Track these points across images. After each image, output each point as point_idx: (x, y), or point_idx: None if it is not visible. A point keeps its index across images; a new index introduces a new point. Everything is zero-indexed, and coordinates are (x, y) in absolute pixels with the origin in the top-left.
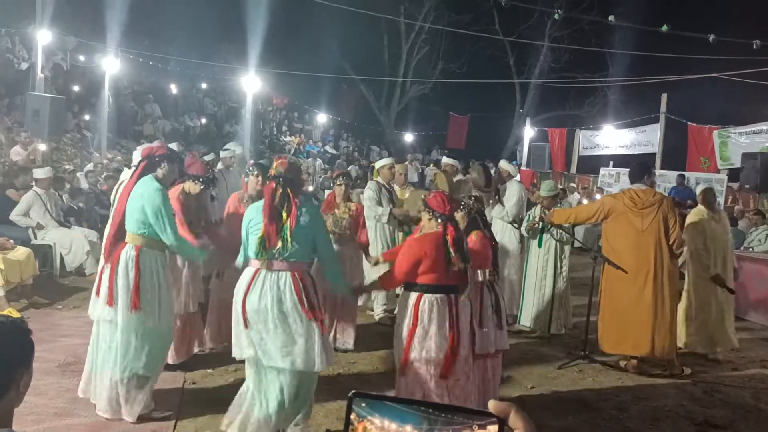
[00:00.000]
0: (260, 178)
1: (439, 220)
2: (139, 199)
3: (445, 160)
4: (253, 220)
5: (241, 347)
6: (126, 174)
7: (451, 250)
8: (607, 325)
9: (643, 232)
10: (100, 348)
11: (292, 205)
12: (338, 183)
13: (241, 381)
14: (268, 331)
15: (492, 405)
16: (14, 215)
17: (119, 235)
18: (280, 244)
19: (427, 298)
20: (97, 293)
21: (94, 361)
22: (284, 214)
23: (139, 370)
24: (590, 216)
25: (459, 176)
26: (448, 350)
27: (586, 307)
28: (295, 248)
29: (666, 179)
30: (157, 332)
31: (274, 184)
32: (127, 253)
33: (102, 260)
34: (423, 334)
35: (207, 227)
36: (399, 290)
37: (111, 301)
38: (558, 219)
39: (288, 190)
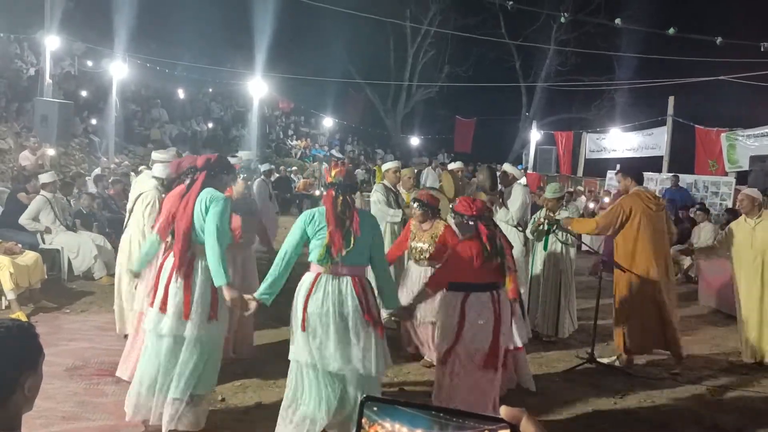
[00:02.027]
0: (247, 181)
1: (470, 222)
2: (205, 208)
3: (452, 165)
4: (313, 226)
5: (298, 350)
6: (141, 180)
7: (487, 246)
8: (632, 328)
9: (660, 233)
10: (162, 366)
11: (354, 211)
12: None
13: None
14: (327, 335)
15: (504, 411)
16: (24, 219)
17: (189, 247)
18: (344, 250)
19: (473, 295)
20: (162, 308)
21: (151, 379)
22: (347, 221)
23: (208, 388)
24: (612, 222)
25: (483, 177)
26: (492, 343)
27: (593, 311)
28: (357, 254)
29: (681, 181)
30: (221, 343)
31: (333, 192)
32: (202, 263)
33: (164, 273)
34: (470, 329)
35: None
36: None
37: (188, 313)
38: (580, 229)
39: (347, 197)
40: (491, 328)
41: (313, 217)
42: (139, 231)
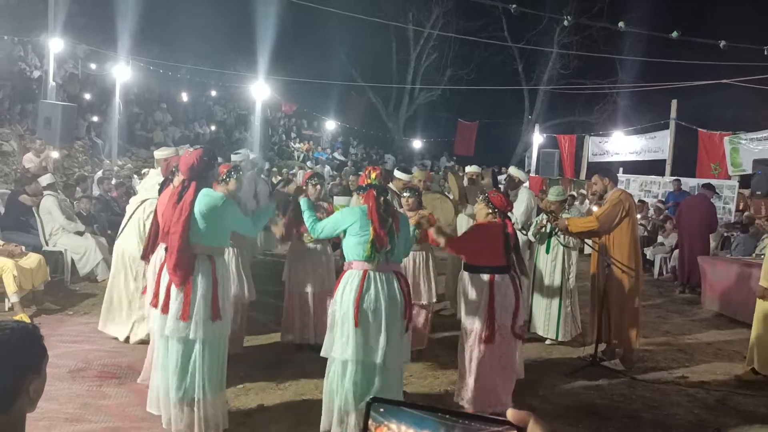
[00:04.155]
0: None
1: (499, 216)
2: (206, 213)
3: (469, 168)
4: (356, 225)
5: (343, 347)
6: (148, 183)
7: (510, 240)
8: (626, 321)
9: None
10: (171, 367)
11: (394, 210)
12: (313, 183)
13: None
14: (379, 330)
15: (510, 413)
16: (64, 223)
17: (189, 249)
18: (389, 247)
19: (497, 277)
20: (164, 310)
21: (164, 382)
22: (389, 220)
23: (219, 388)
24: (614, 218)
25: (488, 180)
26: (515, 315)
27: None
28: (399, 252)
29: (684, 185)
30: (225, 342)
31: (374, 192)
32: (203, 263)
33: (165, 276)
34: (499, 307)
35: None
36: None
37: (186, 314)
38: (578, 227)
39: (386, 196)
40: (514, 304)
41: (357, 213)
42: (137, 237)
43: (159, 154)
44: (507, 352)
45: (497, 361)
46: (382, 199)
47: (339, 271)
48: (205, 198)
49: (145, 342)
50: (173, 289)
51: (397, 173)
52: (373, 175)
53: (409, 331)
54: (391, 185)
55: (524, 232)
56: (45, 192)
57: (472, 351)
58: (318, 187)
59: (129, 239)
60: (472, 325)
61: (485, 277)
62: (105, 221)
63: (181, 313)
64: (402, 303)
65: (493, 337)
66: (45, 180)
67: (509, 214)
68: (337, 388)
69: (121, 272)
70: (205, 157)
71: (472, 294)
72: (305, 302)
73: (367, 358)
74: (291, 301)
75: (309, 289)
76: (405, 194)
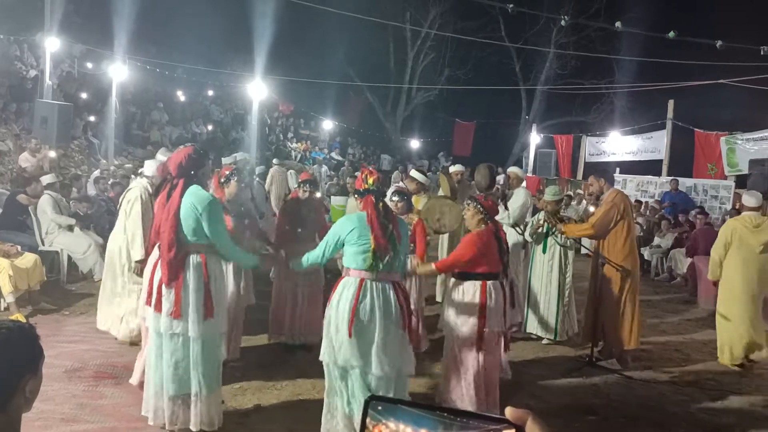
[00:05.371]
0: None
1: (489, 222)
2: (193, 210)
3: (452, 168)
4: (354, 233)
5: (340, 356)
6: (137, 182)
7: (503, 245)
8: (627, 323)
9: (635, 231)
10: (165, 364)
11: (394, 217)
12: (304, 189)
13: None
14: (372, 339)
15: (509, 412)
16: (53, 217)
17: (178, 246)
18: (392, 254)
19: (489, 284)
20: (157, 307)
21: (158, 379)
22: (389, 226)
23: (213, 386)
24: (609, 222)
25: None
26: (504, 324)
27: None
28: (400, 258)
29: (681, 185)
30: (220, 341)
31: (373, 198)
32: (194, 261)
33: (158, 274)
34: (490, 314)
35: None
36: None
37: (179, 312)
38: (574, 233)
39: (384, 201)
40: (503, 310)
41: (354, 221)
42: (121, 227)
43: (158, 156)
44: (493, 356)
45: (484, 365)
46: (380, 204)
47: (331, 271)
48: (192, 196)
49: (135, 343)
50: (164, 287)
51: (414, 173)
52: (370, 180)
53: (411, 342)
54: (401, 183)
55: (519, 230)
56: (45, 191)
57: (460, 356)
58: (308, 193)
59: (115, 233)
60: (462, 331)
61: (477, 283)
62: (105, 222)
63: (173, 310)
64: (398, 313)
65: (483, 343)
66: (47, 179)
67: (502, 212)
68: (336, 391)
69: (110, 266)
70: (194, 155)
71: (463, 300)
72: (295, 302)
73: (362, 366)
74: (280, 301)
75: (298, 288)
76: (394, 198)
